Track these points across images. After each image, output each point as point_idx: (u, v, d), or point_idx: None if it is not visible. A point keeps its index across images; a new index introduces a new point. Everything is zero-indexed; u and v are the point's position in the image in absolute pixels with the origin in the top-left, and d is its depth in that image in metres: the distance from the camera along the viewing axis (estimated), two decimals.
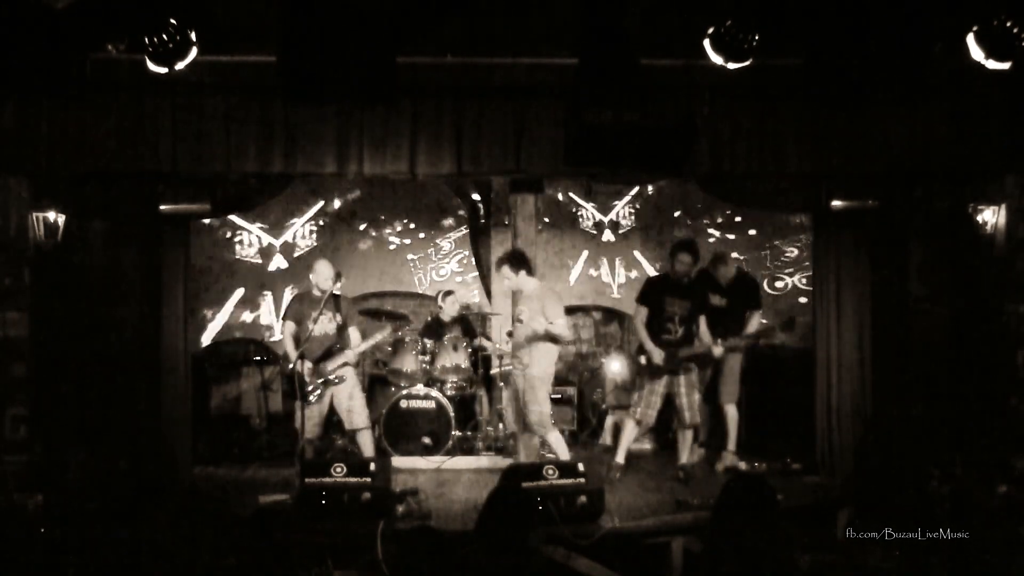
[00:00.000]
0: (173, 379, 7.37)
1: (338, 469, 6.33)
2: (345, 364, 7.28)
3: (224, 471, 7.89)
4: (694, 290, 7.45)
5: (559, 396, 9.12)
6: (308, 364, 7.15)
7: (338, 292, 7.36)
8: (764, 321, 8.11)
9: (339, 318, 7.34)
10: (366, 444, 7.36)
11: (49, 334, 6.72)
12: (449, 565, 3.69)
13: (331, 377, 7.22)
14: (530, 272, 7.15)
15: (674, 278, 7.39)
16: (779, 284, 10.03)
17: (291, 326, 7.29)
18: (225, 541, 5.63)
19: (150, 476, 6.87)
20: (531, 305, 7.01)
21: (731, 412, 7.84)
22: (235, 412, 8.73)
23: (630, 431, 7.52)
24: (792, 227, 9.98)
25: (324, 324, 7.27)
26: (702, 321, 7.37)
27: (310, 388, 7.14)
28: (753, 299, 7.97)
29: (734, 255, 9.02)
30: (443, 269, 9.99)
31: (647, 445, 8.60)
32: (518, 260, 7.15)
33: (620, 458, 7.51)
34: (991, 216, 7.02)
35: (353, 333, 7.39)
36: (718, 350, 7.35)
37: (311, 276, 7.32)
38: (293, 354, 7.13)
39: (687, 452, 7.51)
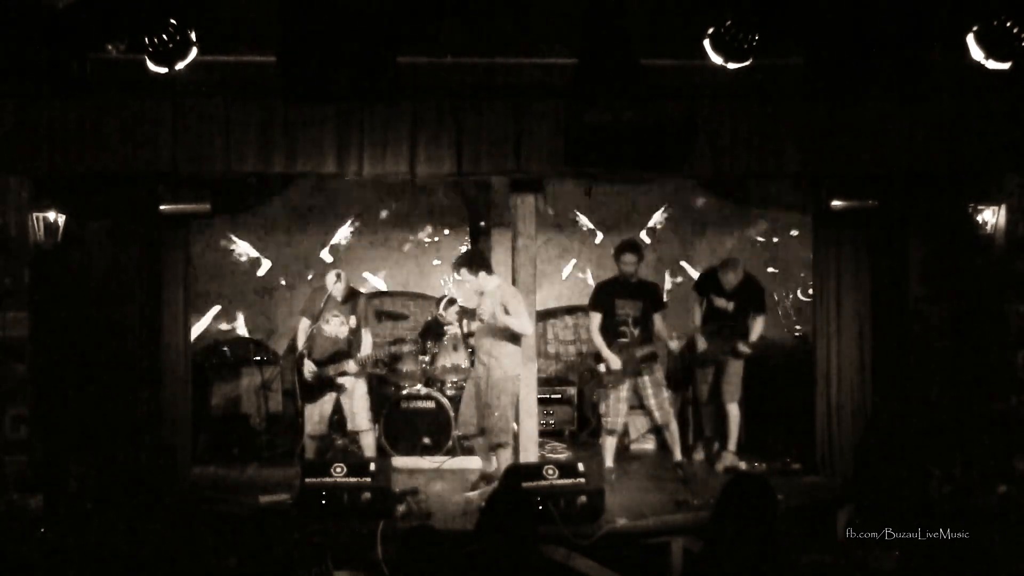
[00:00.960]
0: (173, 379, 7.37)
1: (338, 469, 6.34)
2: (345, 373, 7.25)
3: (224, 471, 7.88)
4: (645, 289, 7.46)
5: (559, 396, 9.13)
6: (311, 364, 7.16)
7: (361, 291, 7.39)
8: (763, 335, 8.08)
9: (353, 320, 7.34)
10: (368, 445, 7.37)
11: (49, 334, 6.72)
12: (449, 565, 3.69)
13: (337, 381, 7.23)
14: (489, 271, 6.99)
15: (622, 279, 7.40)
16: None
17: (306, 322, 7.31)
18: (225, 541, 5.65)
19: (150, 476, 6.87)
20: (491, 302, 6.86)
21: (733, 411, 7.83)
22: (235, 412, 8.72)
23: (609, 443, 7.54)
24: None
25: (336, 326, 7.29)
26: (657, 318, 7.36)
27: (312, 389, 7.16)
28: (758, 303, 7.97)
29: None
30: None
31: (647, 445, 8.60)
32: (476, 260, 7.01)
33: (609, 461, 7.52)
34: (991, 216, 7.02)
35: (365, 336, 7.39)
36: (674, 344, 7.34)
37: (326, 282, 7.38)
38: (302, 345, 7.17)
39: (678, 449, 7.51)
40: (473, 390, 7.01)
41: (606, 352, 7.34)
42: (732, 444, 7.83)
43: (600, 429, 9.01)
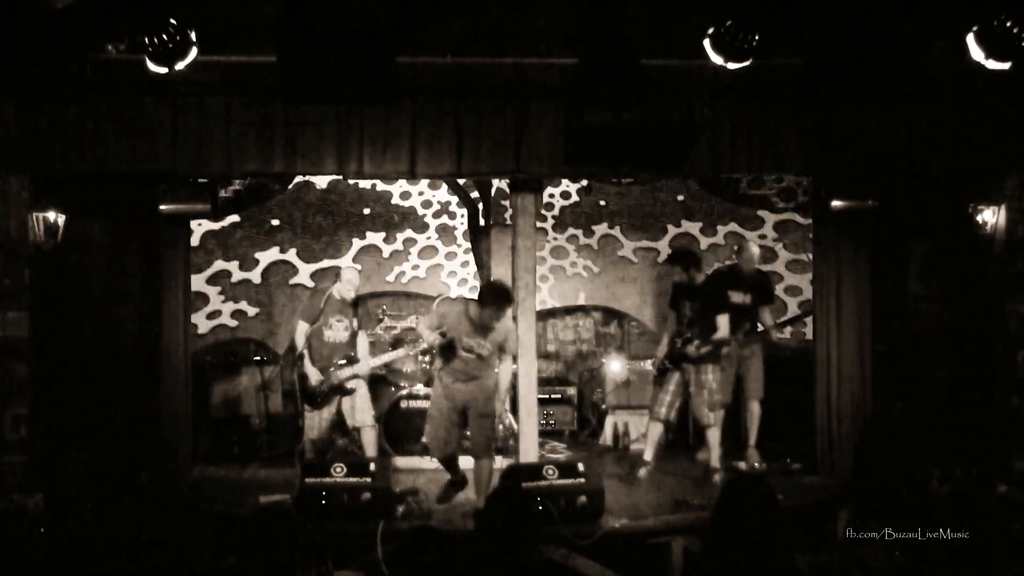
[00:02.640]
0: (173, 379, 7.37)
1: (338, 469, 6.34)
2: (356, 376, 7.25)
3: (224, 471, 7.88)
4: (703, 291, 7.46)
5: (559, 396, 9.14)
6: (315, 372, 7.14)
7: (357, 295, 7.37)
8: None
9: (355, 324, 7.31)
10: (369, 442, 7.35)
11: (49, 334, 6.72)
12: (449, 565, 3.69)
13: (346, 386, 7.21)
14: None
15: (687, 283, 7.48)
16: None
17: (304, 325, 7.28)
18: (225, 541, 5.65)
19: (150, 476, 6.87)
20: (497, 337, 6.51)
21: (755, 409, 7.81)
22: (235, 412, 8.72)
23: (653, 431, 7.57)
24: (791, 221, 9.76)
25: (339, 331, 7.25)
26: (721, 320, 7.26)
27: (318, 395, 7.15)
28: (768, 293, 7.99)
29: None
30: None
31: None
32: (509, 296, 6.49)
33: (648, 456, 7.55)
34: (991, 216, 7.03)
35: (361, 339, 7.36)
36: (690, 348, 7.32)
37: (338, 282, 7.34)
38: (305, 354, 7.14)
39: (714, 454, 7.39)
40: (448, 409, 6.52)
41: (660, 346, 7.59)
42: (753, 439, 7.79)
43: (600, 429, 9.07)
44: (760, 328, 7.77)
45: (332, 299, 7.24)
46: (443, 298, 8.74)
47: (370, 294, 9.81)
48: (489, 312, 6.27)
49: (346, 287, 7.22)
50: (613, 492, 6.76)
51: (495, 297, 6.30)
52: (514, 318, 7.55)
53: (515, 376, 6.94)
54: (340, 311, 7.23)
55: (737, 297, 7.77)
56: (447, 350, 6.48)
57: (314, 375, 7.14)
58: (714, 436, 7.41)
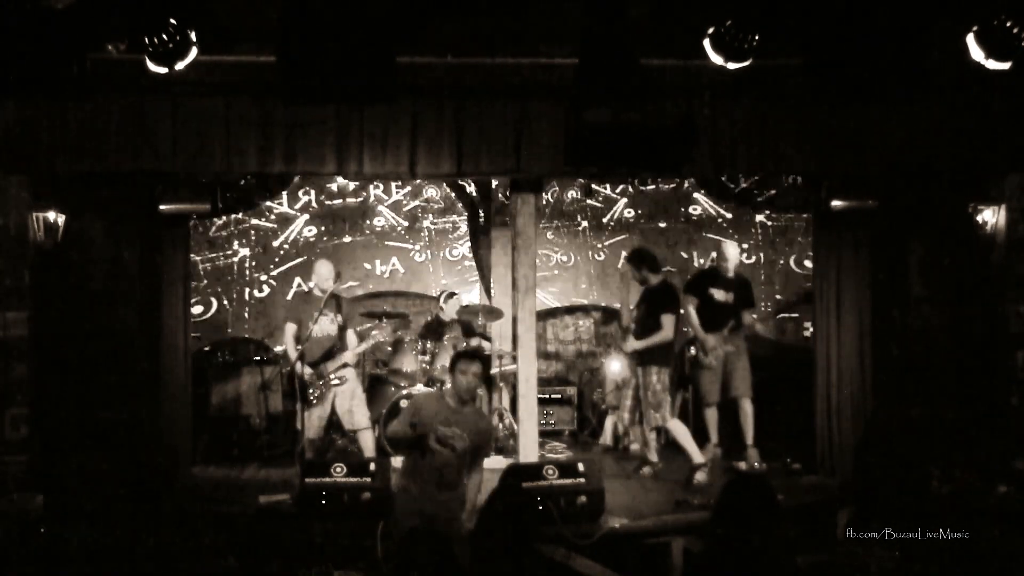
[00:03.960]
0: (173, 379, 7.36)
1: (338, 469, 6.34)
2: (345, 365, 7.26)
3: (224, 471, 7.88)
4: (645, 294, 7.53)
5: (559, 396, 9.14)
6: (307, 368, 7.14)
7: (338, 292, 7.37)
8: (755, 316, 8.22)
9: (339, 319, 7.33)
10: (367, 444, 7.36)
11: (49, 334, 6.72)
12: (449, 565, 3.69)
13: (332, 379, 7.21)
14: None
15: (641, 283, 7.57)
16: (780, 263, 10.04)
17: (292, 327, 7.29)
18: (225, 541, 5.66)
19: (150, 476, 6.87)
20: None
21: (747, 408, 7.78)
22: (235, 412, 8.72)
23: (638, 433, 7.70)
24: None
25: (325, 325, 7.27)
26: (665, 319, 7.33)
27: (311, 390, 7.14)
28: (749, 296, 8.02)
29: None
30: (456, 250, 10.02)
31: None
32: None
33: (653, 457, 7.60)
34: (991, 216, 7.03)
35: (351, 336, 7.39)
36: (630, 345, 7.42)
37: (312, 276, 7.35)
38: (294, 354, 7.14)
39: (690, 451, 7.40)
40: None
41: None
42: (750, 438, 7.76)
43: (600, 429, 9.06)
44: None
45: (314, 296, 7.25)
46: (449, 293, 8.72)
47: (373, 294, 9.85)
48: (462, 381, 5.32)
49: (322, 280, 7.21)
50: (613, 492, 6.76)
51: (467, 359, 5.37)
52: (514, 319, 7.56)
53: (516, 383, 6.90)
54: (326, 305, 7.23)
55: (719, 295, 7.81)
56: (418, 446, 5.34)
57: (305, 372, 7.14)
58: (680, 433, 7.41)
